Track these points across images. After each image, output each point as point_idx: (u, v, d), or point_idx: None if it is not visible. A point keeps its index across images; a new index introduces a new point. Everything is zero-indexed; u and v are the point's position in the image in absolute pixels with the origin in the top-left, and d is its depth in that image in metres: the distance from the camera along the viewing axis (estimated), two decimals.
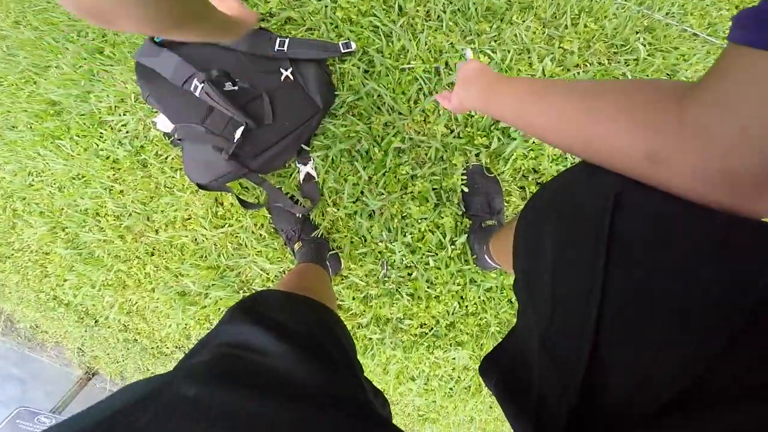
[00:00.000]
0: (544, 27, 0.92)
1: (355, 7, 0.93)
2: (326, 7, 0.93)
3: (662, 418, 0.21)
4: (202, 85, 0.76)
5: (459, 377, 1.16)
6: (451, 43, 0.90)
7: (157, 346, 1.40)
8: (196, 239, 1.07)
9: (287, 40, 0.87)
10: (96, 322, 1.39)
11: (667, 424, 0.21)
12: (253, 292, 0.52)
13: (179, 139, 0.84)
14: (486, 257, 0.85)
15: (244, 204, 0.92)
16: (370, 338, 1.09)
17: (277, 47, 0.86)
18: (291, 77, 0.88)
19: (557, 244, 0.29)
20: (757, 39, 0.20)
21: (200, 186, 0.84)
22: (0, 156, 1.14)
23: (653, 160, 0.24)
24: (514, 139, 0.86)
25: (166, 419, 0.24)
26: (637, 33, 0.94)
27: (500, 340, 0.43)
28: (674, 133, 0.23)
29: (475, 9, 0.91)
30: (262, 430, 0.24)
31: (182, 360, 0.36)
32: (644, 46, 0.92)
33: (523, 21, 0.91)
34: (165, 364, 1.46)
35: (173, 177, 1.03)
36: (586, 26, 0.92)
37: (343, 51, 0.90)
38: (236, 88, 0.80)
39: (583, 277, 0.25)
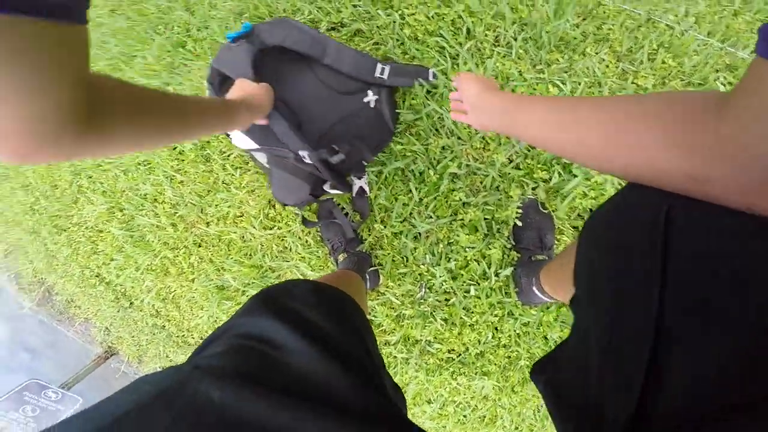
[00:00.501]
0: (618, 61, 0.91)
1: (422, 25, 0.95)
2: (395, 23, 0.96)
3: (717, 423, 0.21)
4: (308, 153, 0.82)
5: (476, 406, 1.12)
6: (520, 71, 0.90)
7: (183, 335, 1.43)
8: (243, 237, 1.10)
9: (388, 68, 0.90)
10: (131, 304, 1.44)
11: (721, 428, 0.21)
12: (281, 281, 0.49)
13: (266, 164, 0.91)
14: (534, 289, 0.83)
15: (306, 222, 0.99)
16: (395, 356, 1.08)
17: (377, 74, 0.89)
18: (373, 103, 0.91)
19: (615, 260, 0.29)
20: None
21: (284, 204, 0.97)
22: None
23: (696, 180, 0.25)
24: (576, 176, 0.85)
25: (187, 427, 0.22)
26: (717, 71, 0.90)
27: (531, 367, 0.43)
28: (714, 154, 0.24)
29: (548, 38, 0.90)
30: None
31: (197, 350, 0.35)
32: (724, 85, 0.89)
33: (597, 53, 0.90)
34: (186, 353, 1.48)
35: (232, 174, 1.08)
36: (663, 62, 0.90)
37: (431, 80, 0.92)
38: (342, 156, 0.83)
39: (641, 291, 0.26)
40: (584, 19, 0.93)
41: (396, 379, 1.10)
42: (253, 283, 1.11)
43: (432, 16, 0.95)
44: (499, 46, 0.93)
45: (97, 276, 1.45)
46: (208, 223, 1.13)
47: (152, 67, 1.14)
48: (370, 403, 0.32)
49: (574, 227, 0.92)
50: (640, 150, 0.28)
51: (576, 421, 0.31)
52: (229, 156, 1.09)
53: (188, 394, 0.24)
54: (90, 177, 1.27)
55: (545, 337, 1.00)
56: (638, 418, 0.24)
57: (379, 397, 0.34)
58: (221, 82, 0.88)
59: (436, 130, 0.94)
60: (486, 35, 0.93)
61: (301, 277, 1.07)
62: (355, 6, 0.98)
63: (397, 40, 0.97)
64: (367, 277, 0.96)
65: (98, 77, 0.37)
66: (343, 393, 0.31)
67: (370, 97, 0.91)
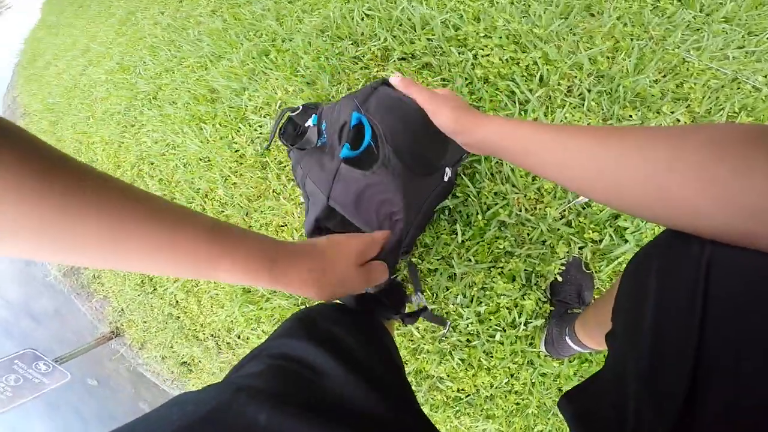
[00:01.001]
0: (693, 122, 0.87)
1: (495, 68, 0.96)
2: (467, 61, 0.97)
3: None
4: None
5: None
6: (589, 124, 0.89)
7: (195, 330, 1.43)
8: None
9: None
10: (154, 290, 1.47)
11: None
12: (318, 303, 0.48)
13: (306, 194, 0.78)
14: (566, 338, 0.81)
15: None
16: None
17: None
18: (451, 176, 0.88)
19: (657, 298, 0.29)
20: None
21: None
22: (152, 124, 1.32)
23: (742, 236, 0.25)
24: (627, 241, 0.85)
25: None
26: None
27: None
28: (762, 214, 0.23)
29: (624, 93, 0.87)
30: None
31: (234, 368, 0.36)
32: None
33: (673, 112, 0.87)
34: (192, 347, 1.47)
35: (285, 185, 1.13)
36: None
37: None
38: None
39: (681, 324, 0.26)
40: (665, 76, 0.91)
41: None
42: (279, 292, 1.13)
43: (506, 60, 0.97)
44: (571, 96, 0.92)
45: None
46: (250, 227, 1.17)
47: (235, 71, 1.24)
48: (409, 427, 0.33)
49: None
50: (695, 214, 0.27)
51: None
52: (284, 167, 1.15)
53: (233, 415, 0.25)
54: (152, 164, 1.35)
55: (560, 389, 0.96)
56: None
57: (418, 422, 0.35)
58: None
59: (492, 174, 0.96)
60: (559, 84, 0.92)
61: None
62: (429, 39, 1.05)
63: (466, 79, 0.98)
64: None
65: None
66: (379, 417, 0.32)
67: (449, 174, 0.86)
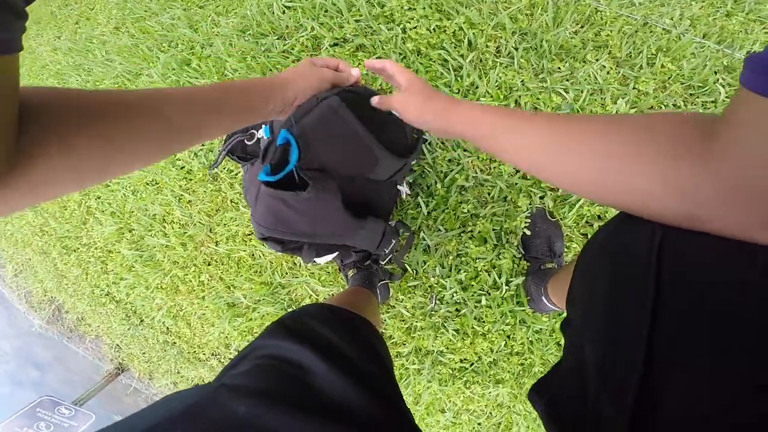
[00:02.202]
0: (618, 66, 0.91)
1: (425, 39, 0.95)
2: (397, 36, 0.96)
3: None
4: None
5: (491, 413, 1.12)
6: (523, 81, 0.91)
7: (194, 352, 1.43)
8: (253, 254, 1.11)
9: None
10: (141, 321, 1.45)
11: None
12: (298, 307, 0.51)
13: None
14: (544, 299, 0.83)
15: None
16: (407, 368, 1.08)
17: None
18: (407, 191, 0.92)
19: (610, 284, 0.30)
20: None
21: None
22: None
23: (693, 219, 0.25)
24: None
25: None
26: (716, 73, 0.90)
27: (529, 391, 0.43)
28: (708, 196, 0.24)
29: (549, 47, 0.90)
30: None
31: (222, 371, 0.37)
32: (724, 87, 0.89)
33: (597, 60, 0.90)
34: (198, 369, 1.48)
35: (240, 194, 1.08)
36: (662, 66, 0.90)
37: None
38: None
39: (633, 316, 0.26)
40: (582, 27, 0.94)
41: (409, 390, 1.11)
42: (263, 299, 1.12)
43: (433, 29, 0.95)
44: (501, 56, 0.94)
45: (107, 295, 1.46)
46: (217, 242, 1.14)
47: (158, 86, 1.15)
48: (387, 419, 0.34)
49: (583, 234, 0.92)
50: (633, 194, 0.28)
51: None
52: (236, 175, 1.10)
53: (214, 409, 0.26)
54: (98, 198, 1.28)
55: (558, 344, 1.00)
56: None
57: (398, 416, 0.36)
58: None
59: (442, 142, 0.94)
60: (487, 46, 0.93)
61: (312, 293, 1.07)
62: (357, 21, 0.99)
63: (400, 53, 0.97)
64: (378, 291, 0.97)
65: (26, 90, 0.27)
66: (364, 413, 0.32)
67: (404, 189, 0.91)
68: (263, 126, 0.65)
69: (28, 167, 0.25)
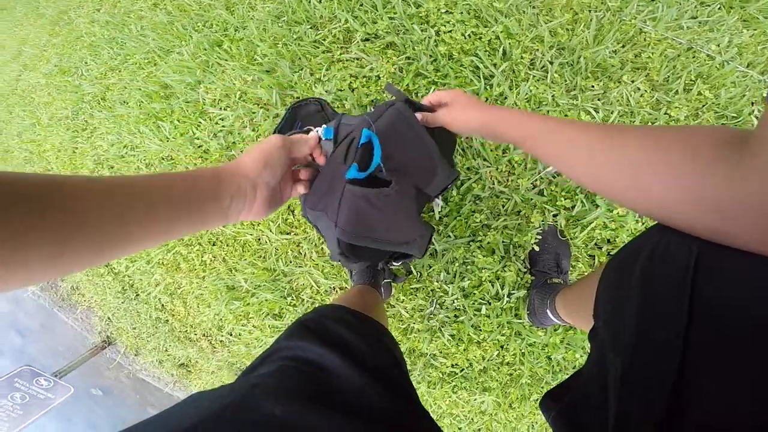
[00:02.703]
0: (653, 90, 0.90)
1: (458, 44, 0.95)
2: (430, 38, 0.95)
3: None
4: None
5: (473, 419, 1.11)
6: (553, 96, 0.90)
7: (186, 331, 1.42)
8: (260, 239, 1.11)
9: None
10: (137, 295, 1.44)
11: None
12: (318, 306, 0.52)
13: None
14: (548, 312, 0.84)
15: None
16: None
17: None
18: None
19: (642, 297, 0.30)
20: None
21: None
22: (104, 126, 1.24)
23: (717, 233, 0.26)
24: (598, 206, 0.86)
25: None
26: (752, 104, 0.89)
27: (530, 390, 0.43)
28: (733, 211, 0.24)
29: (585, 64, 0.89)
30: None
31: (247, 369, 0.37)
32: (757, 118, 0.87)
33: (633, 81, 0.89)
34: (186, 348, 1.47)
35: None
36: (699, 93, 0.89)
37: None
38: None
39: (666, 331, 0.26)
40: (624, 46, 0.93)
41: None
42: (264, 285, 1.12)
43: (469, 35, 0.96)
44: (534, 69, 0.93)
45: (106, 266, 1.45)
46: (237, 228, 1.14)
47: (186, 64, 1.17)
48: (409, 420, 0.35)
49: (590, 256, 0.92)
50: (661, 204, 0.29)
51: None
52: None
53: (251, 409, 0.26)
54: (112, 167, 1.28)
55: (549, 357, 1.00)
56: None
57: (419, 418, 0.37)
58: None
59: (463, 150, 0.95)
60: (522, 58, 0.93)
61: (314, 284, 1.07)
62: (391, 18, 1.00)
63: (431, 56, 0.97)
64: (381, 289, 0.97)
65: None
66: (386, 412, 0.33)
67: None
68: (324, 126, 0.60)
69: None
